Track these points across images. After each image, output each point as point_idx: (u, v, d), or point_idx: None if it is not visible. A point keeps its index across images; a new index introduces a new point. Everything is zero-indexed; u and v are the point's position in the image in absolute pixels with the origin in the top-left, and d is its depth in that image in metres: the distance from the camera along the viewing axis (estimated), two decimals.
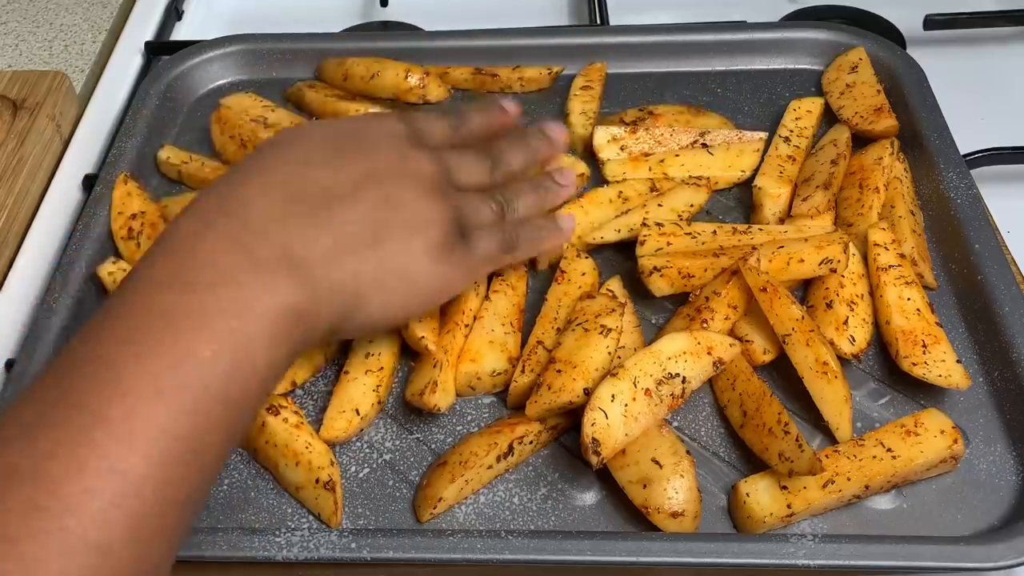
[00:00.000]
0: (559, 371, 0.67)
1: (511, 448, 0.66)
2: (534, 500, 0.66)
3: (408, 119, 0.66)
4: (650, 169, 0.83)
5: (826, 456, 0.64)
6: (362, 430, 0.69)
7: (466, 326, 0.72)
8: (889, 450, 0.64)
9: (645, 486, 0.62)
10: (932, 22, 1.03)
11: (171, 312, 0.49)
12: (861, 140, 0.85)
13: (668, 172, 0.83)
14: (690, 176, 0.83)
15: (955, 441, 0.64)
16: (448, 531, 0.63)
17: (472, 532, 0.62)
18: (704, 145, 0.85)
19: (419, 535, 0.62)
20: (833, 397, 0.67)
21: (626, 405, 0.64)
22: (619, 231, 0.79)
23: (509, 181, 0.71)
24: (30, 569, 0.41)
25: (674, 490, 0.62)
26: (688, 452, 0.65)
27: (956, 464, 0.66)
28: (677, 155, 0.84)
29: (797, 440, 0.63)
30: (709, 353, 0.68)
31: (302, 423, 0.68)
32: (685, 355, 0.67)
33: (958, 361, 0.69)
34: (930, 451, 0.64)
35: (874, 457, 0.64)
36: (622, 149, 0.85)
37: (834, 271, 0.73)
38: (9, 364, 0.75)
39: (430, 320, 0.70)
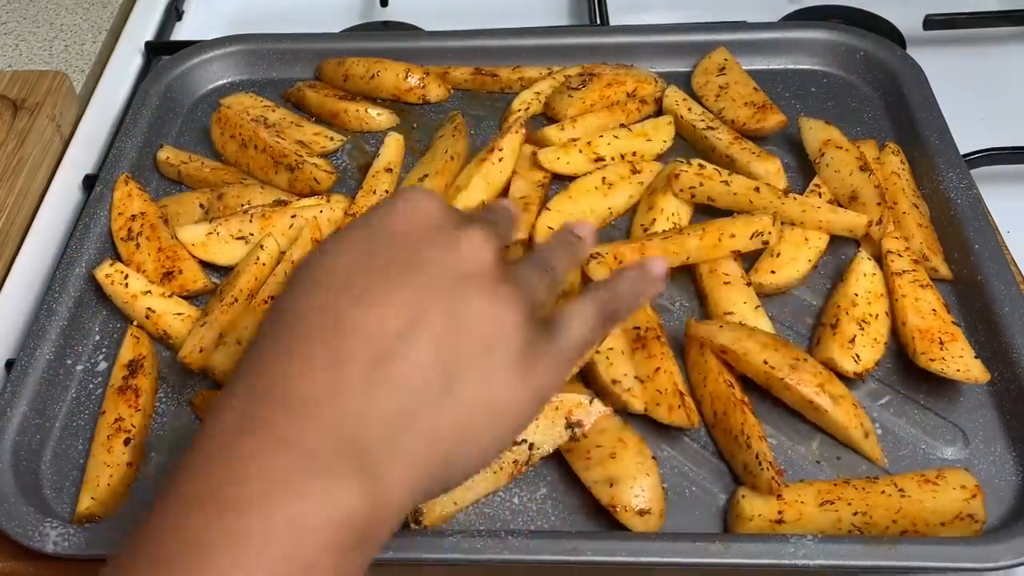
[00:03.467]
0: None
1: None
2: (534, 500, 0.66)
3: (438, 197, 0.55)
4: (580, 152, 0.84)
5: (834, 485, 0.64)
6: None
7: None
8: (901, 490, 0.63)
9: (612, 485, 0.63)
10: (932, 22, 1.03)
11: (207, 541, 0.41)
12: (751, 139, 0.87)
13: (598, 151, 0.85)
14: (619, 154, 0.85)
15: (973, 496, 0.63)
16: (448, 531, 0.63)
17: (472, 532, 0.62)
18: (623, 125, 0.87)
19: (419, 535, 0.62)
20: (836, 428, 0.67)
21: None
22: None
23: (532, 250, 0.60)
24: None
25: (640, 488, 0.63)
26: (652, 453, 0.65)
27: (979, 528, 0.63)
28: (602, 136, 0.86)
29: (757, 457, 0.63)
30: (567, 417, 0.65)
31: None
32: (536, 420, 0.63)
33: (976, 356, 0.69)
34: (943, 499, 0.63)
35: (883, 492, 0.63)
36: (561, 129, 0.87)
37: (766, 243, 0.75)
38: (9, 364, 0.75)
39: None
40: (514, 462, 0.65)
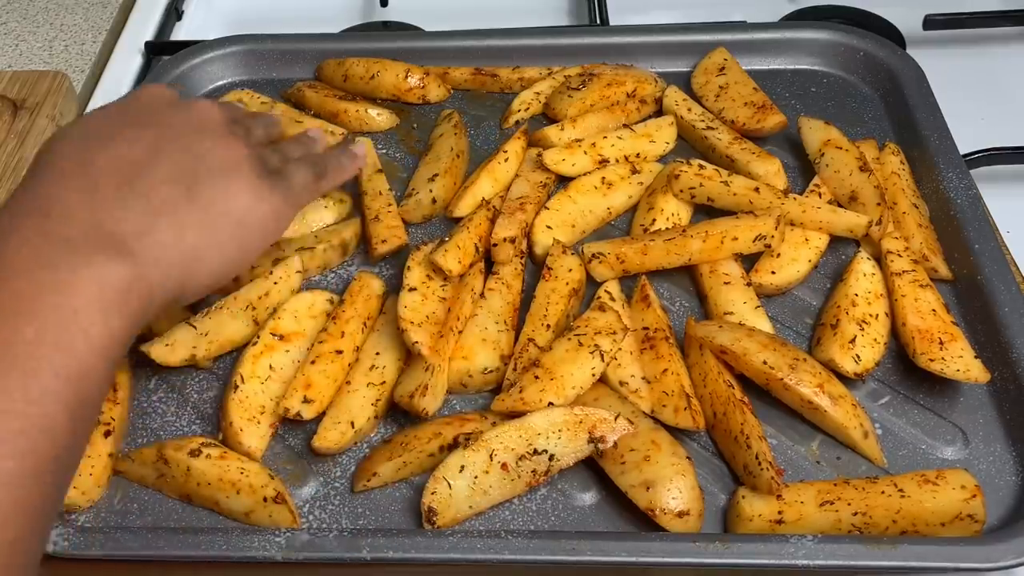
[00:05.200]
0: (536, 377, 0.67)
1: (455, 441, 0.65)
2: (534, 500, 0.66)
3: (170, 88, 0.67)
4: (585, 153, 0.84)
5: (834, 485, 0.64)
6: (356, 443, 0.69)
7: (459, 332, 0.72)
8: (901, 490, 0.63)
9: (649, 488, 0.62)
10: (932, 22, 1.03)
11: None
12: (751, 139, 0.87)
13: (602, 153, 0.85)
14: (623, 155, 0.85)
15: (973, 496, 0.62)
16: (448, 531, 0.63)
17: (472, 532, 0.62)
18: (625, 126, 0.87)
19: (419, 535, 0.62)
20: (836, 428, 0.67)
21: (476, 478, 0.63)
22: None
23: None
24: None
25: (677, 490, 0.62)
26: (687, 453, 0.65)
27: (980, 528, 0.63)
28: (605, 137, 0.85)
29: (757, 458, 0.63)
30: (591, 431, 0.65)
31: (226, 453, 0.67)
32: (559, 432, 0.65)
33: (976, 356, 0.69)
34: (943, 499, 0.62)
35: (882, 492, 0.63)
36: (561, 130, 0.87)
37: (768, 246, 0.75)
38: None
39: (428, 325, 0.70)
40: (532, 472, 0.64)
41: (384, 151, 0.90)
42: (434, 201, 0.82)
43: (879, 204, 0.77)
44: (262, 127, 0.71)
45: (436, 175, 0.83)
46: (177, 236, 0.57)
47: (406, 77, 0.93)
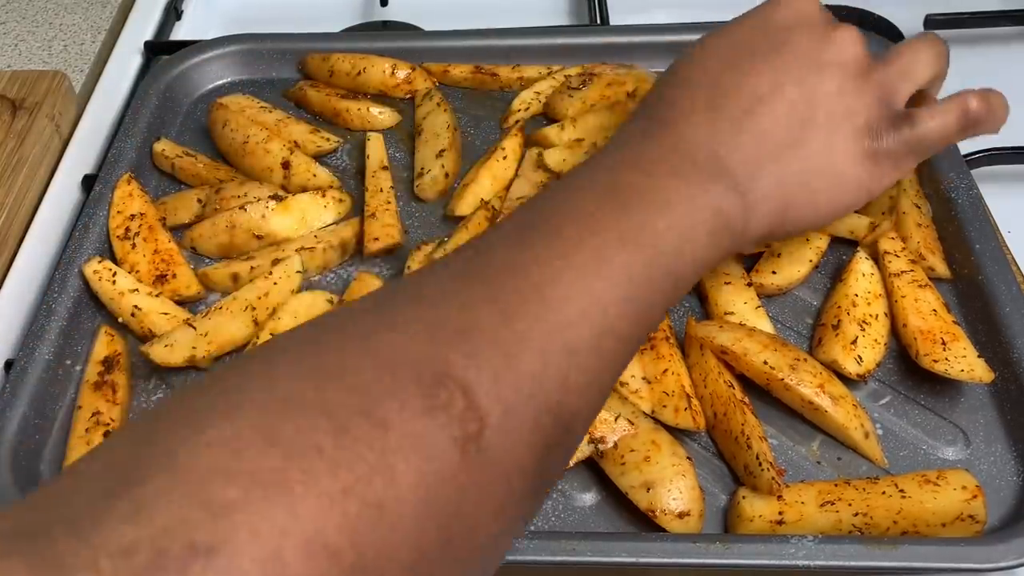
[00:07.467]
0: None
1: None
2: None
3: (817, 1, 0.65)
4: (585, 153, 0.84)
5: (835, 485, 0.64)
6: None
7: None
8: (901, 491, 0.63)
9: (649, 489, 0.62)
10: (932, 22, 1.03)
11: (634, 187, 0.53)
12: None
13: None
14: None
15: (974, 497, 0.62)
16: None
17: None
18: None
19: None
20: (836, 428, 0.67)
21: None
22: None
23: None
24: (510, 358, 0.43)
25: (678, 491, 0.62)
26: (687, 453, 0.65)
27: (980, 528, 0.63)
28: (606, 137, 0.86)
29: (758, 458, 0.63)
30: (590, 432, 0.64)
31: None
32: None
33: (979, 356, 0.68)
34: (944, 500, 0.62)
35: (883, 492, 0.63)
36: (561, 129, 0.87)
37: (768, 246, 0.75)
38: (8, 364, 0.75)
39: None
40: None
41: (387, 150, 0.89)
42: (447, 175, 0.83)
43: (883, 213, 0.77)
44: (905, 64, 0.64)
45: (443, 150, 0.84)
46: (774, 183, 0.58)
47: (393, 72, 0.93)
